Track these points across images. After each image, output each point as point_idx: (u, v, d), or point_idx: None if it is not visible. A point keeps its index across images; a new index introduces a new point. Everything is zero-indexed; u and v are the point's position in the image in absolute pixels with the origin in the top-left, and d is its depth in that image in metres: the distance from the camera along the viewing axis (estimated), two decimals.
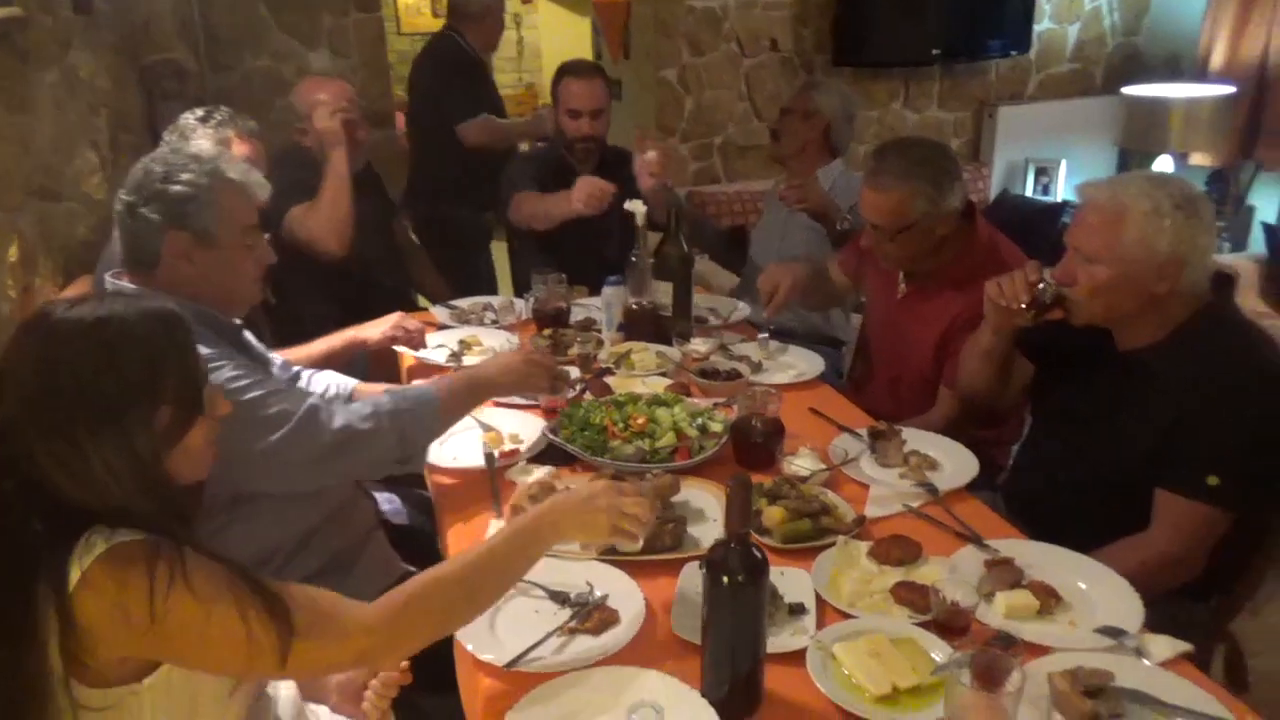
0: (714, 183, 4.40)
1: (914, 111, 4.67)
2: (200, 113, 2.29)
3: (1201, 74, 4.48)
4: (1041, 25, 4.71)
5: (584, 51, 5.10)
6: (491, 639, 1.33)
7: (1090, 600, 1.41)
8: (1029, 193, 4.81)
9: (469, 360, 2.30)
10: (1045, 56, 4.80)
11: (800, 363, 2.29)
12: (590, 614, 1.35)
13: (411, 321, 2.28)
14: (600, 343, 2.35)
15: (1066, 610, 1.39)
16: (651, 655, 1.30)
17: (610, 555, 1.50)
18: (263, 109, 3.44)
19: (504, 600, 1.42)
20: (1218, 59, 4.40)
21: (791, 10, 4.31)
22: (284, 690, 1.36)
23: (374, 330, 2.23)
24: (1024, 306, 1.72)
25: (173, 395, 1.10)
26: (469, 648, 1.31)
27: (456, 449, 1.87)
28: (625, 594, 1.41)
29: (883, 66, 4.48)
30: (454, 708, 1.41)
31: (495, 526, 1.62)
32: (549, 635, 1.32)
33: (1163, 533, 1.62)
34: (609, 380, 2.13)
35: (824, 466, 1.75)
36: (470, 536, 1.61)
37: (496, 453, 1.82)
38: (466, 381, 1.80)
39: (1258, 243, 4.12)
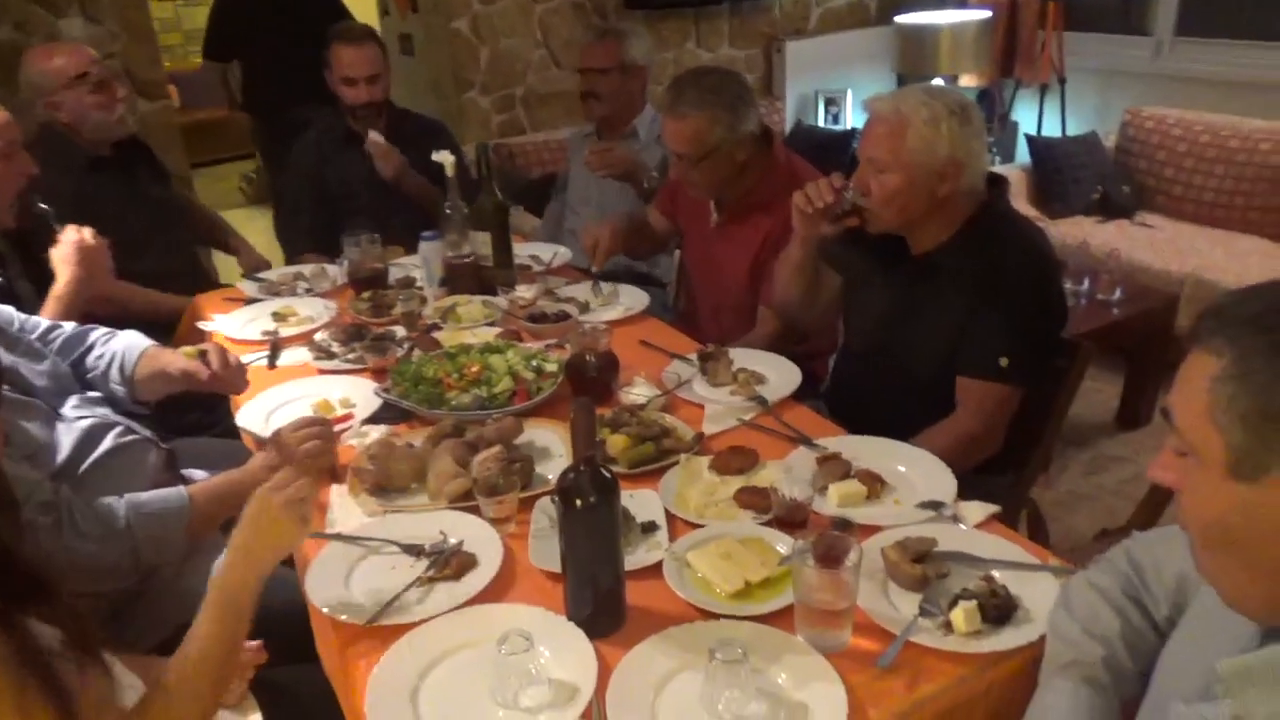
0: (519, 133, 4.36)
1: (707, 50, 4.77)
2: None
3: (962, 1, 4.82)
4: None
5: (369, 6, 4.88)
6: (348, 600, 1.31)
7: (910, 481, 1.54)
8: (821, 123, 5.05)
9: (286, 333, 2.20)
10: None
11: (626, 299, 2.33)
12: (448, 561, 1.35)
13: (211, 351, 1.88)
14: (423, 300, 2.31)
15: (891, 492, 1.51)
16: (515, 591, 1.33)
17: (461, 503, 1.50)
18: (7, 87, 3.10)
19: (357, 561, 1.40)
20: None
21: None
22: (130, 693, 1.29)
23: (174, 364, 1.87)
24: (830, 203, 1.82)
25: None
26: (325, 611, 1.28)
27: (284, 423, 1.79)
28: (481, 537, 1.41)
29: (673, 7, 4.54)
30: (315, 676, 1.39)
31: (338, 493, 1.58)
32: (408, 587, 1.31)
33: (967, 414, 1.78)
34: (437, 335, 2.10)
35: (659, 392, 1.81)
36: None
37: (329, 420, 1.76)
38: (226, 485, 1.57)
39: (1023, 154, 4.50)
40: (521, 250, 2.59)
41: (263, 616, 1.56)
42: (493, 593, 1.31)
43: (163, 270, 2.60)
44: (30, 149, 2.23)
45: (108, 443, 1.69)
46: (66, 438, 1.65)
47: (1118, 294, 3.20)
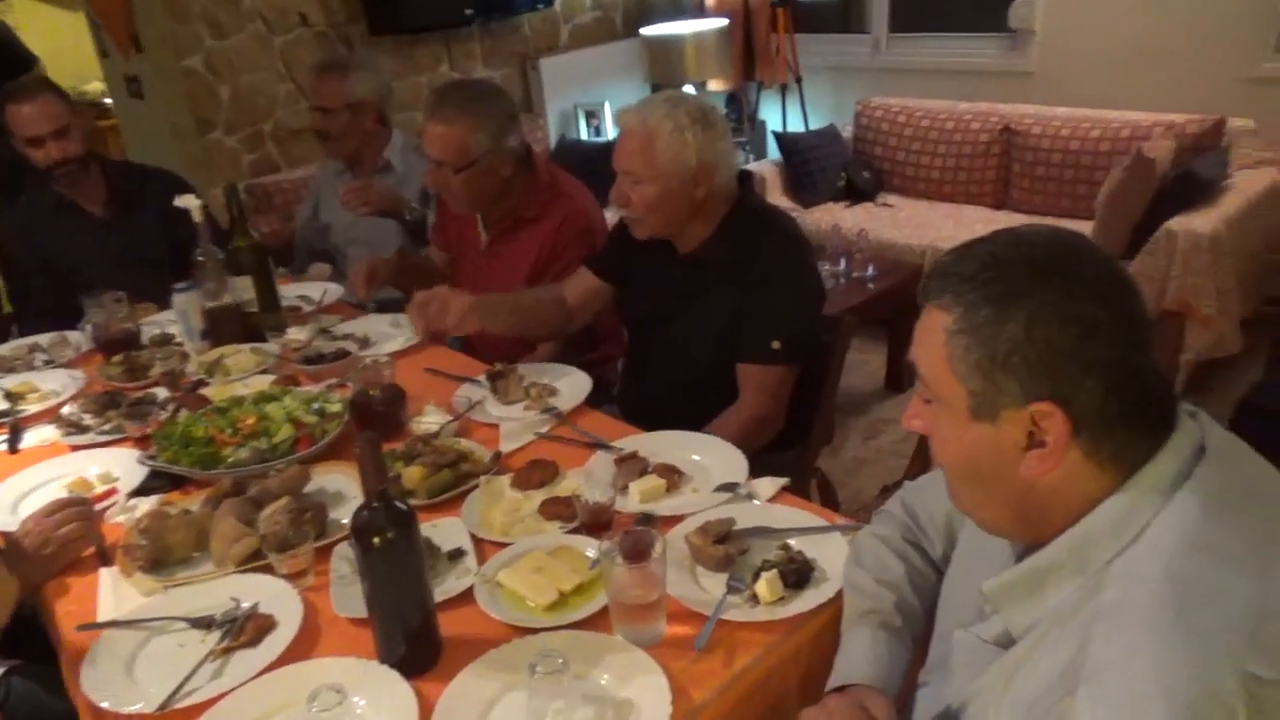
0: (274, 171, 4.15)
1: (460, 73, 4.74)
2: None
3: (700, 10, 5.07)
4: None
5: (87, 50, 4.49)
6: (133, 689, 1.20)
7: (705, 468, 1.60)
8: (584, 136, 5.15)
9: (26, 411, 1.99)
10: (570, 7, 5.11)
11: (406, 330, 2.27)
12: (243, 627, 1.27)
13: None
14: (185, 356, 2.15)
15: (689, 481, 1.56)
16: (321, 645, 1.26)
17: (251, 564, 1.41)
18: None
19: (140, 646, 1.28)
20: None
21: None
22: None
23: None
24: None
25: None
26: (105, 705, 1.16)
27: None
28: (278, 596, 1.33)
29: (420, 31, 4.48)
30: None
31: (109, 576, 1.44)
32: (201, 663, 1.22)
33: (750, 398, 1.87)
34: (205, 392, 1.97)
35: (451, 418, 1.78)
36: (82, 600, 1.41)
37: (88, 499, 1.60)
38: None
39: (774, 150, 4.78)
40: (289, 291, 2.47)
41: None
42: (298, 651, 1.24)
43: None
44: None
45: None
46: None
47: (870, 270, 3.47)
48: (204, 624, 1.29)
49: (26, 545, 1.44)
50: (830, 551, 1.32)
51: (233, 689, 1.17)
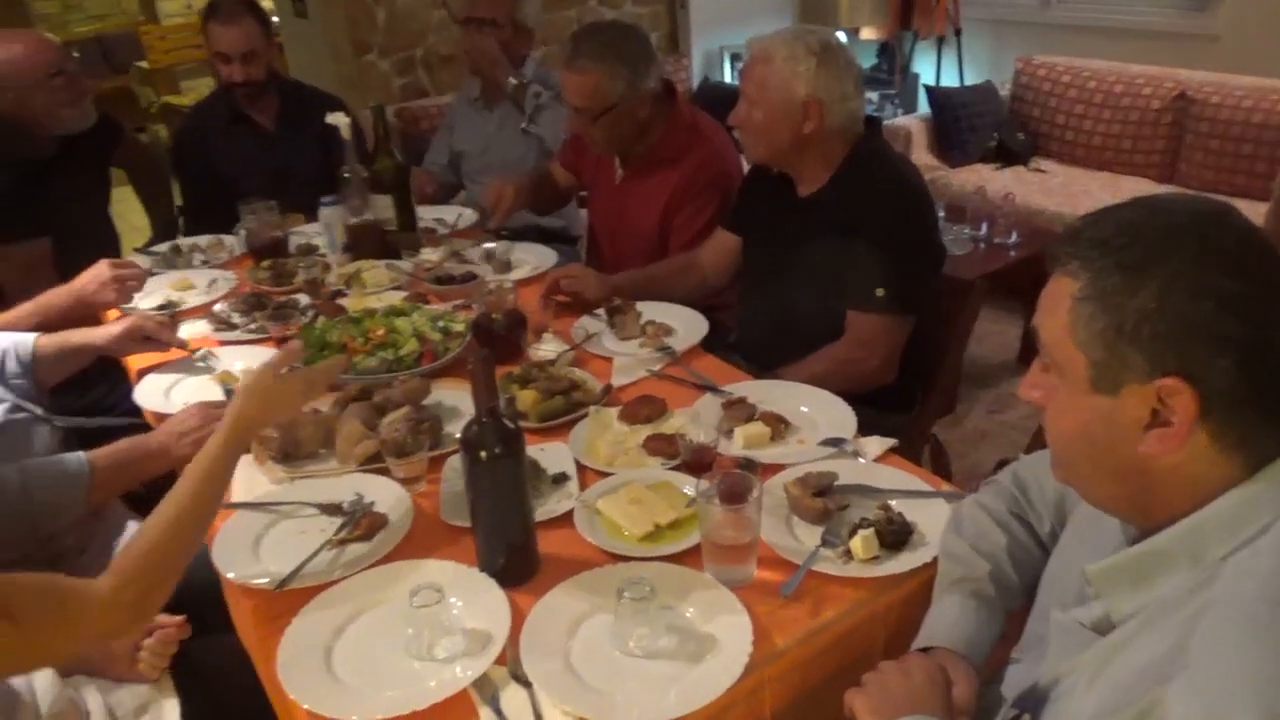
0: (422, 96, 4.27)
1: (610, 8, 4.73)
2: None
3: None
4: None
5: None
6: (258, 566, 1.30)
7: (813, 420, 1.59)
8: (727, 79, 5.07)
9: (190, 302, 2.15)
10: None
11: (532, 258, 2.32)
12: (358, 522, 1.35)
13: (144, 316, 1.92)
14: (327, 266, 2.26)
15: (795, 432, 1.55)
16: (426, 548, 1.33)
17: (370, 465, 1.49)
18: None
19: (265, 527, 1.39)
20: None
21: None
22: (40, 679, 1.26)
23: (105, 335, 1.83)
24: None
25: None
26: (231, 576, 1.27)
27: (187, 397, 1.75)
28: (391, 497, 1.41)
29: None
30: (231, 646, 1.37)
31: (243, 461, 1.54)
32: (319, 550, 1.31)
33: (847, 341, 1.84)
34: (342, 302, 2.07)
35: (567, 347, 1.82)
36: None
37: (235, 390, 1.72)
38: (130, 450, 1.50)
39: (924, 105, 4.60)
40: (425, 213, 2.55)
41: (182, 590, 1.54)
42: (404, 551, 1.32)
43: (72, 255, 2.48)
44: None
45: None
46: None
47: (1013, 237, 3.31)
48: (331, 510, 1.39)
49: (177, 429, 1.56)
50: (931, 517, 1.30)
51: (345, 577, 1.25)
